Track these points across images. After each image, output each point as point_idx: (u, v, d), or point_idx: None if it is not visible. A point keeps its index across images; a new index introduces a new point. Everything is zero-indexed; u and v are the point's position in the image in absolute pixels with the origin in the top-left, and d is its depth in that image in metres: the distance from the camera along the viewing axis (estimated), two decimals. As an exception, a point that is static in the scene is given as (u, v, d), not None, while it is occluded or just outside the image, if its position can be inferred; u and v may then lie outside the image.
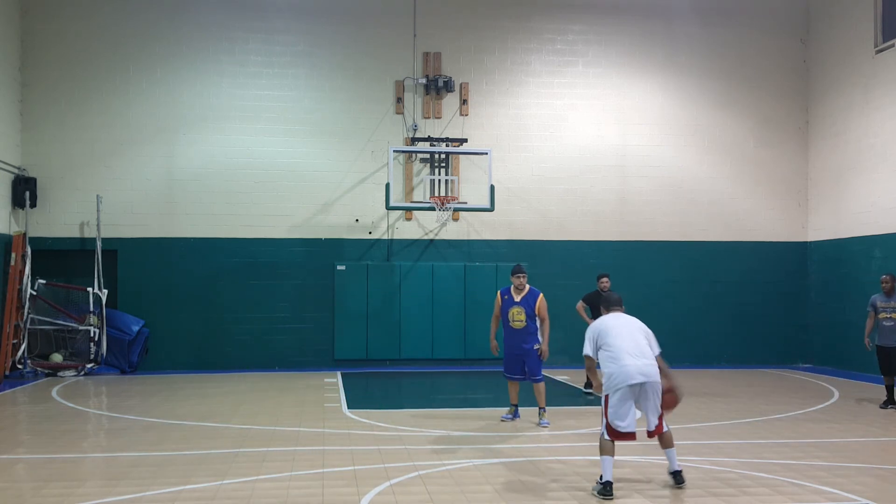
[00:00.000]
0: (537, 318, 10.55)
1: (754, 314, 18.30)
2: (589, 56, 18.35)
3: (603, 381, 7.35)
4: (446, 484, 7.40)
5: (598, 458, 7.21)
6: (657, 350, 7.47)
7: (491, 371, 16.88)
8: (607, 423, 7.18)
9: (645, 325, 7.60)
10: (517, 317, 10.54)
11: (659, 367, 7.34)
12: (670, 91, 18.53)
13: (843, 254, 17.47)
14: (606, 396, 7.26)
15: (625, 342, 7.31)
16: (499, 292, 10.81)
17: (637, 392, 7.18)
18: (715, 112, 18.63)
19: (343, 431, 9.98)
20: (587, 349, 7.48)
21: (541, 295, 10.60)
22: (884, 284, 12.19)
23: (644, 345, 7.39)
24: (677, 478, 7.29)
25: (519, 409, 10.81)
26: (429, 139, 17.27)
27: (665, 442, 7.37)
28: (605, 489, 6.93)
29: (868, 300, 12.66)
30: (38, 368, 15.74)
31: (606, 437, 7.16)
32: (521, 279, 10.65)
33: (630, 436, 7.16)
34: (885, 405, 11.99)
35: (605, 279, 13.21)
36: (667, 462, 7.46)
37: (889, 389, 12.01)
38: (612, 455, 7.07)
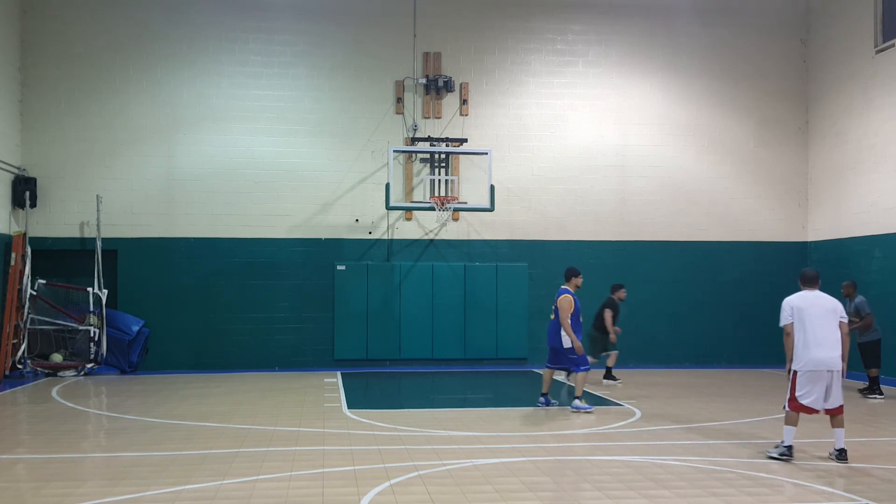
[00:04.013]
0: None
1: (754, 314, 18.27)
2: (589, 56, 18.35)
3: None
4: (446, 484, 7.40)
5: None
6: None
7: (490, 371, 16.88)
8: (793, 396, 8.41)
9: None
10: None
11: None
12: (670, 91, 18.53)
13: (843, 254, 17.47)
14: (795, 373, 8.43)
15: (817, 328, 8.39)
16: (570, 295, 11.62)
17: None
18: (715, 112, 18.63)
19: (343, 431, 9.98)
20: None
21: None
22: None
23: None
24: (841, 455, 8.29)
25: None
26: (429, 139, 17.27)
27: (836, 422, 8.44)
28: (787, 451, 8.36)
29: (868, 300, 12.75)
30: (38, 368, 15.74)
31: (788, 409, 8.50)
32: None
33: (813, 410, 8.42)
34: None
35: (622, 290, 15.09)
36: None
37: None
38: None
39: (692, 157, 18.52)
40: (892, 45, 16.17)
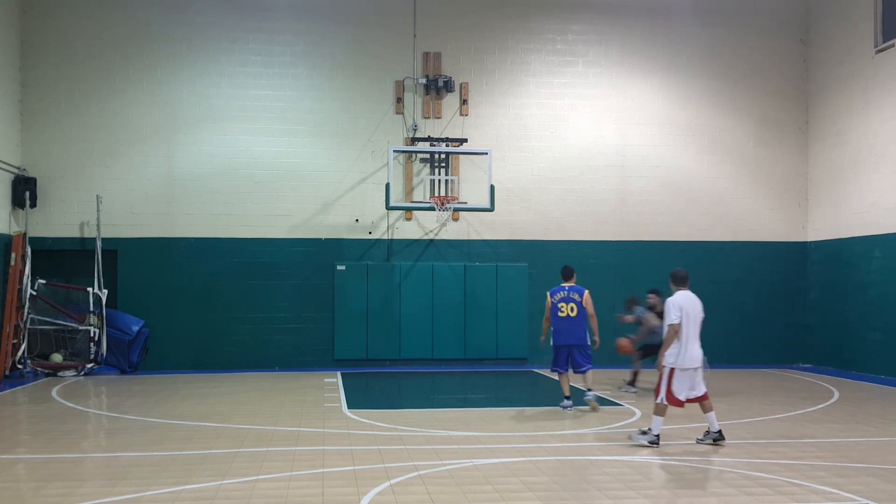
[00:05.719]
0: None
1: (754, 314, 18.30)
2: (589, 56, 18.35)
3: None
4: (446, 484, 7.40)
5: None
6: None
7: (490, 371, 16.89)
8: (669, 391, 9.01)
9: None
10: None
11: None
12: (670, 91, 18.53)
13: (843, 254, 17.47)
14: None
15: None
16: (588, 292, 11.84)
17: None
18: (715, 112, 18.63)
19: (343, 431, 9.98)
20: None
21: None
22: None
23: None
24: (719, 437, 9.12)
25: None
26: (429, 139, 17.27)
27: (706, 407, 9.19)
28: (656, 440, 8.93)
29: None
30: (38, 368, 15.74)
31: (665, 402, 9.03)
32: None
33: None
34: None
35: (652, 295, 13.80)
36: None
37: None
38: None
39: (692, 157, 18.52)
40: (892, 45, 16.17)
